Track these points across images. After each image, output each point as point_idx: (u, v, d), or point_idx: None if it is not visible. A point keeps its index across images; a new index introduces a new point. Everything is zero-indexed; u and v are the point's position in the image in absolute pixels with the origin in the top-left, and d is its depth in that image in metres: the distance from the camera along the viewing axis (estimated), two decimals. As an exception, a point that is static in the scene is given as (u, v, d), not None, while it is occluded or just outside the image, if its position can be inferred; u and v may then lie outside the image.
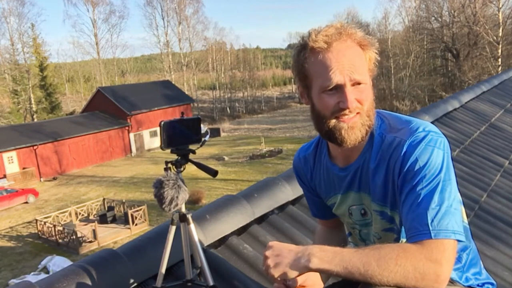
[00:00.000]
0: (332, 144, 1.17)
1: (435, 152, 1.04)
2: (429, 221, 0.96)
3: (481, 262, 1.29)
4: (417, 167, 1.03)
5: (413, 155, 1.04)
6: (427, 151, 1.03)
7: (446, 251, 0.95)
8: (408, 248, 0.95)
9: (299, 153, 1.36)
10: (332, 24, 1.08)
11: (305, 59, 1.08)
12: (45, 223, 20.10)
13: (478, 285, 1.21)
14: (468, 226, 1.23)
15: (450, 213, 0.98)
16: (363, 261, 0.94)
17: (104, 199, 22.83)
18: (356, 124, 1.07)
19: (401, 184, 1.05)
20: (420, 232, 0.97)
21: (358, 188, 1.18)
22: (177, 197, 1.45)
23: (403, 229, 1.13)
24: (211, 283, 1.46)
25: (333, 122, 1.07)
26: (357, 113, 1.07)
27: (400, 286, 0.93)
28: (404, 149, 1.05)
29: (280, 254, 1.00)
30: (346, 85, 1.04)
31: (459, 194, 1.08)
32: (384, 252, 0.94)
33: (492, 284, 1.26)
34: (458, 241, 0.98)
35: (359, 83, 1.05)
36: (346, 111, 1.05)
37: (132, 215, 20.11)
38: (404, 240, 1.13)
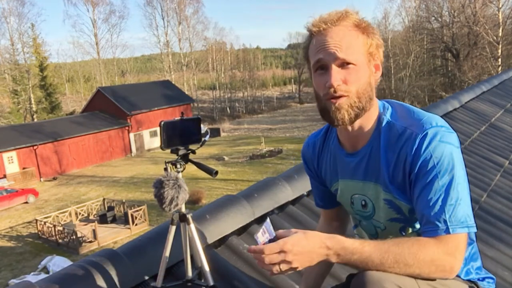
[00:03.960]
0: (338, 128, 1.21)
1: (448, 148, 1.05)
2: (447, 217, 1.01)
3: (481, 259, 1.30)
4: (431, 163, 1.04)
5: (427, 151, 1.05)
6: (440, 147, 1.05)
7: (460, 244, 1.01)
8: (426, 243, 0.99)
9: (309, 139, 1.39)
10: (338, 10, 1.12)
11: (307, 44, 1.15)
12: (45, 223, 20.10)
13: (478, 279, 1.22)
14: None
15: (464, 206, 1.03)
16: (383, 256, 0.98)
17: (104, 199, 22.83)
18: (342, 105, 1.08)
19: (415, 179, 1.07)
20: (437, 228, 1.01)
21: (363, 176, 1.19)
22: (177, 197, 1.44)
23: (410, 218, 1.16)
24: (211, 283, 1.46)
25: (323, 102, 1.10)
26: (345, 95, 1.08)
27: (416, 277, 0.99)
28: (417, 144, 1.06)
29: (299, 258, 0.97)
30: (331, 64, 1.07)
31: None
32: (403, 248, 0.98)
33: (492, 278, 1.28)
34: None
35: (347, 63, 1.07)
36: (332, 91, 1.07)
37: (132, 215, 20.10)
38: (410, 228, 1.18)
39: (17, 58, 50.71)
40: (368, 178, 1.18)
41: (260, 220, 2.13)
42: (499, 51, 38.72)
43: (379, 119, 1.15)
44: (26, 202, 26.15)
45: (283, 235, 0.99)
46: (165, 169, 1.49)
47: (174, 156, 1.51)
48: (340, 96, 1.08)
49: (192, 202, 21.30)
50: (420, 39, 52.55)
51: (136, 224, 20.10)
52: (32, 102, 48.48)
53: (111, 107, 38.46)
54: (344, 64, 1.07)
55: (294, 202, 2.34)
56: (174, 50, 61.86)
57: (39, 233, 20.28)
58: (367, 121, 1.15)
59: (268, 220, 1.04)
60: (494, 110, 5.12)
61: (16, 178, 30.12)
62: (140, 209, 20.52)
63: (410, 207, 1.14)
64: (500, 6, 39.63)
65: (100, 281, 1.46)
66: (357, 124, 1.14)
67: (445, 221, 1.01)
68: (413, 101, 42.68)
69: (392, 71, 52.40)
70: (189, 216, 1.52)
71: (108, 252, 1.59)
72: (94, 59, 61.18)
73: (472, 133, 4.13)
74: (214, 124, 51.99)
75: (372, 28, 1.12)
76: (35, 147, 31.44)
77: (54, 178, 31.88)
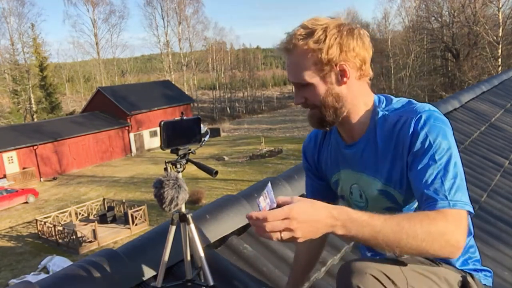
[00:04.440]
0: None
1: (443, 129, 1.09)
2: (447, 193, 1.03)
3: (480, 253, 1.32)
4: (427, 143, 1.08)
5: (422, 132, 1.09)
6: (435, 128, 1.09)
7: (463, 221, 1.01)
8: (435, 217, 0.99)
9: (311, 133, 1.44)
10: (304, 24, 1.15)
11: None
12: (45, 223, 20.09)
13: (475, 270, 1.25)
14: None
15: (463, 186, 1.05)
16: (394, 230, 0.94)
17: (104, 199, 22.83)
18: (311, 115, 1.21)
19: (411, 160, 1.10)
20: (438, 202, 1.02)
21: (360, 167, 1.23)
22: (177, 197, 1.44)
23: (403, 208, 1.20)
24: (211, 283, 1.46)
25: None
26: (312, 108, 1.19)
27: (422, 254, 0.99)
28: (412, 127, 1.11)
29: (303, 227, 0.91)
30: (293, 85, 1.20)
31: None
32: (414, 222, 0.96)
33: (489, 271, 1.30)
34: (469, 213, 1.04)
35: (302, 84, 1.16)
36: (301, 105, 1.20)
37: (132, 215, 20.10)
38: None
39: (17, 58, 50.73)
40: (364, 169, 1.23)
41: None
42: (499, 51, 38.71)
43: (374, 112, 1.20)
44: (26, 202, 26.14)
45: (286, 202, 0.93)
46: (165, 169, 1.49)
47: (174, 156, 1.51)
48: (308, 107, 1.20)
49: (192, 202, 21.30)
50: (420, 39, 52.54)
51: (136, 224, 20.09)
52: (32, 102, 48.48)
53: (111, 107, 38.45)
54: (301, 85, 1.16)
55: (294, 202, 2.33)
56: (174, 50, 61.89)
57: (39, 233, 20.27)
58: (360, 116, 1.20)
59: (269, 184, 0.98)
60: (494, 110, 5.12)
61: (16, 178, 30.11)
62: (140, 209, 20.52)
63: (405, 197, 1.18)
64: (500, 6, 39.62)
65: (100, 281, 1.46)
66: (350, 119, 1.21)
67: (445, 196, 1.02)
68: (413, 101, 42.59)
69: (392, 71, 52.41)
70: (189, 216, 1.52)
71: (108, 252, 1.59)
72: (94, 59, 61.17)
73: (472, 133, 4.13)
74: (214, 124, 51.99)
75: (335, 30, 1.12)
76: (35, 147, 31.43)
77: (54, 178, 31.88)
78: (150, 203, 21.20)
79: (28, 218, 23.44)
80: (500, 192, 3.12)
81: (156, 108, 39.96)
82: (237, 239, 1.94)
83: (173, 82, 50.64)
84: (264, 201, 0.95)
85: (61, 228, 19.56)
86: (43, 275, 13.05)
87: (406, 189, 1.15)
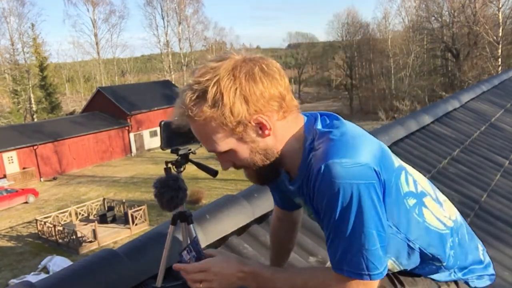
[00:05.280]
0: None
1: (344, 188, 0.91)
2: (339, 260, 0.96)
3: (481, 253, 1.26)
4: (325, 204, 0.95)
5: (321, 191, 0.95)
6: (334, 187, 0.91)
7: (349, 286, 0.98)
8: (326, 278, 1.01)
9: None
10: (186, 90, 0.97)
11: None
12: (45, 223, 20.10)
13: (474, 278, 1.21)
14: (457, 219, 1.21)
15: (359, 253, 0.94)
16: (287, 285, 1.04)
17: (104, 199, 22.83)
18: (250, 176, 1.09)
19: (319, 212, 1.00)
20: (333, 266, 0.99)
21: (306, 201, 1.11)
22: (177, 197, 1.45)
23: None
24: (211, 283, 1.46)
25: None
26: (247, 167, 1.06)
27: None
28: (313, 181, 0.96)
29: (218, 279, 1.05)
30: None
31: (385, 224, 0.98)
32: (303, 279, 1.03)
33: (492, 276, 1.27)
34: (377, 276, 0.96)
35: (222, 152, 1.02)
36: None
37: (132, 215, 20.10)
38: None
39: (17, 58, 50.66)
40: (306, 202, 1.11)
41: (260, 220, 2.13)
42: (499, 51, 38.74)
43: (304, 145, 1.04)
44: (26, 202, 26.14)
45: (211, 255, 1.09)
46: (165, 169, 1.49)
47: (174, 156, 1.51)
48: (241, 168, 1.07)
49: (192, 202, 21.30)
50: (420, 39, 52.56)
51: (136, 224, 20.09)
52: (32, 102, 48.47)
53: (111, 107, 38.44)
54: (221, 152, 1.02)
55: (294, 202, 2.33)
56: (174, 50, 61.81)
57: (39, 233, 20.28)
58: (293, 154, 1.05)
59: (195, 239, 1.14)
60: (494, 110, 5.12)
61: (16, 178, 30.11)
62: (140, 209, 20.52)
63: None
64: (500, 6, 39.65)
65: (100, 281, 1.46)
66: (284, 159, 1.06)
67: (338, 263, 0.97)
68: (413, 101, 42.68)
69: (392, 71, 52.43)
70: (189, 216, 1.52)
71: (108, 252, 1.59)
72: (94, 59, 61.12)
73: (472, 133, 4.13)
74: (214, 124, 51.90)
75: (229, 81, 0.93)
76: (35, 147, 31.43)
77: (54, 178, 31.88)
78: (150, 203, 21.20)
79: (28, 218, 23.44)
80: (500, 192, 3.12)
81: (156, 108, 39.94)
82: (237, 239, 1.94)
83: (173, 82, 50.63)
84: (188, 254, 1.10)
85: (61, 228, 19.57)
86: (43, 275, 13.04)
87: None
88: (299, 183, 1.06)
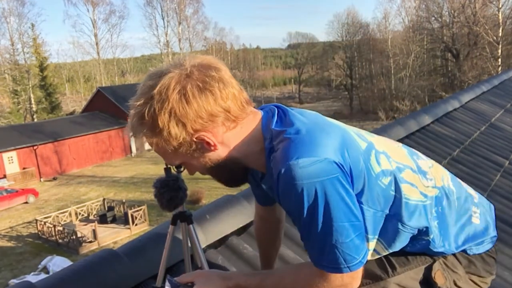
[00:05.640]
0: None
1: (307, 188, 0.91)
2: (317, 257, 0.98)
3: (476, 216, 1.22)
4: (292, 209, 0.96)
5: (285, 194, 0.94)
6: (297, 188, 0.91)
7: (340, 284, 0.98)
8: (306, 274, 1.03)
9: None
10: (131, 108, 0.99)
11: None
12: (45, 223, 20.10)
13: (462, 244, 1.17)
14: (442, 187, 1.18)
15: (334, 248, 0.95)
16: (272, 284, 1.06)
17: (104, 199, 22.83)
18: (217, 180, 1.12)
19: (289, 213, 1.02)
20: (314, 263, 1.00)
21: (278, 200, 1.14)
22: (177, 197, 1.44)
23: None
24: (211, 283, 1.46)
25: None
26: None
27: None
28: (276, 186, 0.96)
29: None
30: None
31: (355, 213, 0.97)
32: (285, 277, 1.06)
33: (494, 237, 1.24)
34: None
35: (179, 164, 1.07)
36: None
37: (132, 215, 20.11)
38: None
39: (17, 58, 50.67)
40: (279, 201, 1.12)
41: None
42: (499, 51, 38.74)
43: (265, 148, 1.03)
44: (26, 202, 26.15)
45: (188, 281, 1.06)
46: (165, 169, 1.49)
47: (174, 156, 1.51)
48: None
49: (192, 202, 21.30)
50: (420, 39, 52.57)
51: (136, 224, 20.10)
52: (32, 102, 48.47)
53: (111, 107, 38.45)
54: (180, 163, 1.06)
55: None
56: (174, 50, 61.82)
57: (39, 233, 20.28)
58: (255, 156, 1.05)
59: (168, 278, 1.09)
60: (494, 110, 5.13)
61: (16, 178, 30.12)
62: (140, 209, 20.52)
63: None
64: (500, 6, 39.65)
65: (100, 281, 1.46)
66: (247, 163, 1.07)
67: (317, 260, 0.98)
68: (413, 101, 42.71)
69: (392, 71, 52.44)
70: (189, 216, 1.52)
71: (108, 252, 1.59)
72: (94, 59, 61.14)
73: (472, 133, 4.13)
74: (214, 124, 51.96)
75: (161, 103, 0.92)
76: (35, 147, 31.44)
77: (54, 178, 31.89)
78: (150, 203, 21.20)
79: (28, 218, 23.44)
80: (500, 192, 3.12)
81: (156, 108, 39.96)
82: (237, 239, 1.94)
83: (173, 82, 50.63)
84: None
85: (61, 228, 19.57)
86: (43, 275, 13.05)
87: None
88: (270, 183, 1.07)
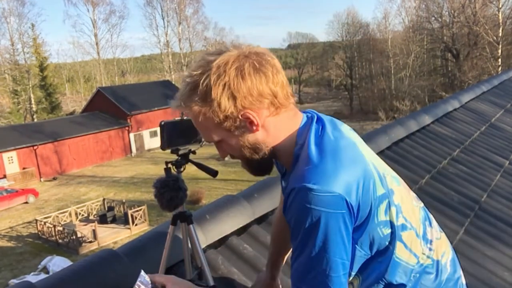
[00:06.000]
0: None
1: (313, 214, 0.93)
2: (297, 278, 0.98)
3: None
4: (293, 225, 0.98)
5: (292, 209, 0.97)
6: (305, 210, 0.94)
7: None
8: None
9: None
10: (183, 81, 1.04)
11: None
12: (45, 223, 20.10)
13: None
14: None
15: (320, 276, 0.96)
16: None
17: (104, 199, 22.84)
18: (244, 166, 1.13)
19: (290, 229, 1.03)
20: (293, 284, 0.99)
21: None
22: (177, 197, 1.45)
23: None
24: (211, 283, 1.46)
25: None
26: (238, 158, 1.10)
27: None
28: (287, 197, 0.99)
29: None
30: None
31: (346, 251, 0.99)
32: None
33: None
34: None
35: (216, 142, 1.07)
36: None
37: (132, 215, 20.11)
38: None
39: (17, 58, 50.67)
40: None
41: (260, 221, 2.13)
42: (499, 51, 38.76)
43: (294, 152, 1.06)
44: (26, 202, 26.15)
45: (162, 283, 1.03)
46: (165, 169, 1.49)
47: (174, 156, 1.51)
48: (237, 158, 1.11)
49: (192, 202, 21.30)
50: (420, 39, 52.58)
51: (136, 224, 20.10)
52: (32, 102, 48.47)
53: (111, 107, 38.46)
54: (215, 141, 1.07)
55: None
56: (174, 50, 61.81)
57: (39, 233, 20.28)
58: (286, 149, 1.08)
59: (142, 272, 1.06)
60: (494, 110, 5.13)
61: (16, 178, 30.12)
62: (140, 209, 20.53)
63: None
64: (500, 6, 39.67)
65: (100, 281, 1.46)
66: (277, 155, 1.09)
67: (299, 287, 0.99)
68: (413, 101, 42.70)
69: (392, 71, 52.45)
70: (189, 216, 1.52)
71: (108, 253, 1.59)
72: (94, 59, 61.13)
73: (472, 133, 4.13)
74: (214, 124, 51.91)
75: (217, 77, 0.97)
76: (35, 147, 31.44)
77: (54, 178, 31.89)
78: (150, 203, 21.20)
79: (28, 218, 23.45)
80: (500, 192, 3.12)
81: (156, 108, 39.95)
82: (237, 239, 1.94)
83: (173, 82, 50.64)
84: None
85: (61, 228, 19.58)
86: (43, 275, 13.04)
87: None
88: (287, 184, 1.09)
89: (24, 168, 30.92)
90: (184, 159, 1.51)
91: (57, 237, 19.40)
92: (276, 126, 1.05)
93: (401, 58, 51.20)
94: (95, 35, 58.55)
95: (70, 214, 21.37)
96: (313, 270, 0.96)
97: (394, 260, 1.08)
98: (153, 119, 38.59)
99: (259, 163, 1.10)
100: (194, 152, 1.53)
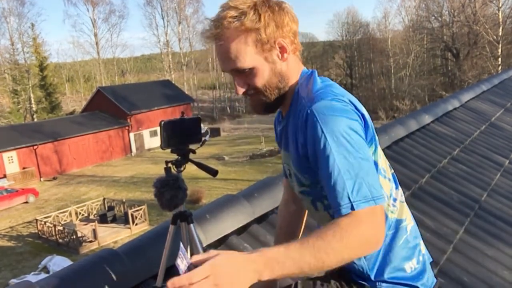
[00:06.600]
0: None
1: (337, 120, 1.01)
2: (350, 195, 0.96)
3: (410, 265, 1.19)
4: (320, 144, 1.01)
5: (314, 129, 1.02)
6: (328, 119, 1.01)
7: (374, 216, 0.97)
8: (344, 223, 0.95)
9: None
10: (221, 9, 1.09)
11: None
12: (45, 223, 20.10)
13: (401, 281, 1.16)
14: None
15: (366, 181, 0.98)
16: (313, 254, 0.91)
17: (104, 199, 22.83)
18: (254, 102, 1.17)
19: (312, 153, 1.05)
20: (342, 207, 0.97)
21: (285, 145, 1.22)
22: (177, 196, 1.45)
23: (315, 191, 1.15)
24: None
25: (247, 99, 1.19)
26: (254, 93, 1.14)
27: (349, 261, 0.97)
28: (305, 117, 1.05)
29: (229, 281, 0.84)
30: (231, 74, 1.14)
31: (378, 153, 1.14)
32: (328, 239, 0.92)
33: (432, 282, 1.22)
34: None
35: (243, 70, 1.10)
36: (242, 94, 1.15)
37: (132, 215, 20.11)
38: (320, 203, 1.17)
39: (17, 58, 50.70)
40: (287, 147, 1.21)
41: (260, 220, 2.13)
42: (499, 50, 38.75)
43: (295, 92, 1.16)
44: (26, 202, 26.15)
45: (201, 261, 0.86)
46: (165, 168, 1.49)
47: (174, 156, 1.51)
48: (251, 95, 1.15)
49: (192, 202, 21.30)
50: (420, 38, 52.56)
51: (136, 224, 20.10)
52: (32, 102, 48.48)
53: (111, 107, 38.45)
54: (242, 71, 1.10)
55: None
56: (174, 49, 61.86)
57: (39, 233, 20.28)
58: (291, 90, 1.17)
59: (181, 245, 0.97)
60: (494, 109, 5.12)
61: (16, 178, 30.12)
62: (140, 209, 20.52)
63: (311, 181, 1.13)
64: (500, 5, 39.66)
65: (100, 281, 1.46)
66: (286, 95, 1.17)
67: (348, 199, 0.96)
68: (413, 100, 42.70)
69: (392, 71, 52.44)
70: (189, 216, 1.52)
71: (108, 252, 1.59)
72: (94, 59, 61.19)
73: (472, 133, 4.13)
74: (214, 124, 51.97)
75: (265, 7, 1.08)
76: (35, 147, 31.44)
77: (54, 178, 31.89)
78: (150, 203, 21.20)
79: (28, 218, 23.45)
80: (500, 192, 3.12)
81: (156, 108, 39.96)
82: (237, 239, 1.94)
83: (173, 82, 50.64)
84: (182, 263, 0.90)
85: (61, 228, 19.57)
86: (43, 275, 13.04)
87: (309, 175, 1.12)
88: (285, 122, 1.19)
89: (24, 168, 30.91)
90: (184, 158, 1.51)
91: (57, 236, 19.39)
92: (291, 64, 1.16)
93: (401, 57, 51.20)
94: (95, 35, 58.58)
95: (70, 214, 21.37)
96: (357, 175, 0.98)
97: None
98: (153, 119, 38.58)
99: (274, 97, 1.15)
100: (194, 152, 1.53)
